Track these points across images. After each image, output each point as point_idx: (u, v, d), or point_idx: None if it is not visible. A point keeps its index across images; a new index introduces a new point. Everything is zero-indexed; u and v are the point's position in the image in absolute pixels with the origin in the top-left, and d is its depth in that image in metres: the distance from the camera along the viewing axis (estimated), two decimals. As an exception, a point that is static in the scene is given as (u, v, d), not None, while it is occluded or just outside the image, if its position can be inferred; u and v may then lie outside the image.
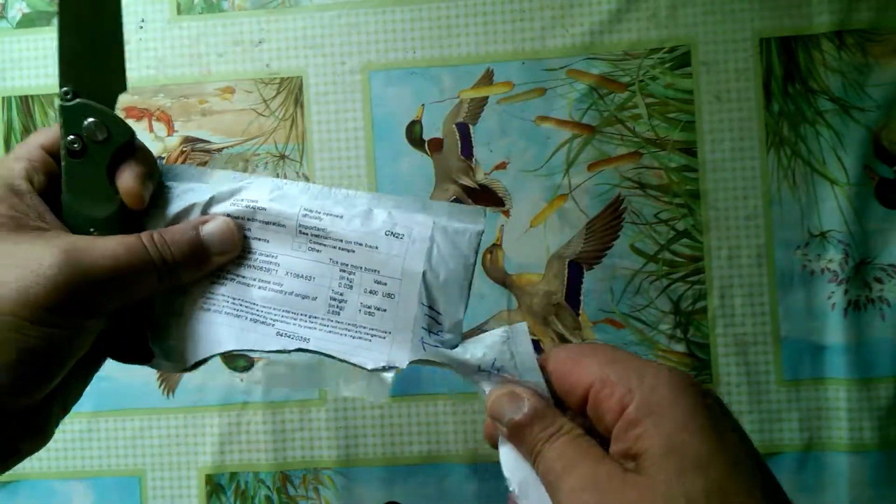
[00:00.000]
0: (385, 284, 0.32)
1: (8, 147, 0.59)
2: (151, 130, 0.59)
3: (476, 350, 0.31)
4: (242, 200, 0.33)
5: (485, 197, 0.57)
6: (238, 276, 0.33)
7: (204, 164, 0.59)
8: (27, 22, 0.59)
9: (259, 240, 0.33)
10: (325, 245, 0.32)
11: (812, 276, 0.55)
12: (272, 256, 0.33)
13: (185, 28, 0.59)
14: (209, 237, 0.32)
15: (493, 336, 0.31)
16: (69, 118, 0.31)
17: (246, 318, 0.33)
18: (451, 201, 0.57)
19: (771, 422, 0.55)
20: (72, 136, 0.31)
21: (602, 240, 0.57)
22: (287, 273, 0.33)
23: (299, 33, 0.58)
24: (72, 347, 0.30)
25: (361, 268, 0.32)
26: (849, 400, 0.54)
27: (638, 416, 0.25)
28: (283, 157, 0.58)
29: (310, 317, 0.32)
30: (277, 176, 0.58)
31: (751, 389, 0.55)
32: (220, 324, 0.33)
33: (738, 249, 0.56)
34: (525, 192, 0.57)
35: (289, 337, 0.32)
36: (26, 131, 0.59)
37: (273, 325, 0.33)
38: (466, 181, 0.57)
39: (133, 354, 0.34)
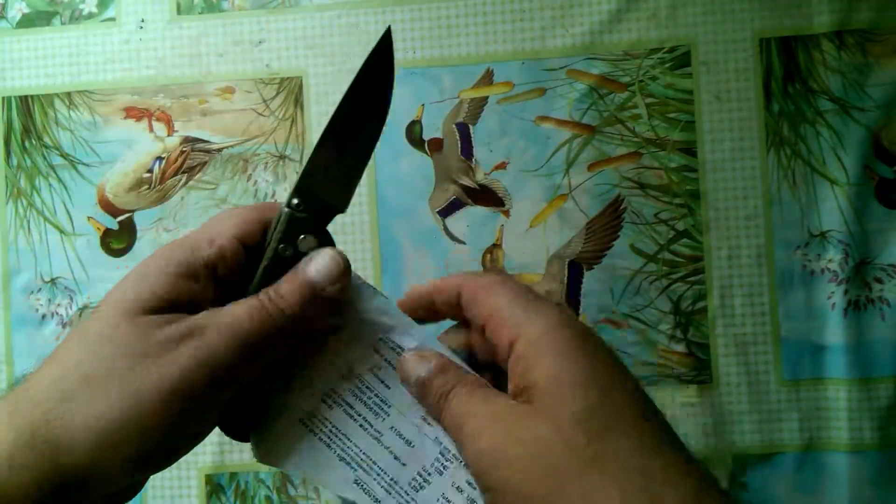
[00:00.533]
0: (474, 490, 0.31)
1: (8, 147, 0.59)
2: (151, 130, 0.59)
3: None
4: (391, 340, 0.33)
5: (485, 197, 0.57)
6: (347, 404, 0.33)
7: (204, 164, 0.59)
8: (27, 22, 0.59)
9: (381, 382, 0.33)
10: (437, 424, 0.32)
11: (812, 276, 0.55)
12: (385, 404, 0.32)
13: (185, 28, 0.59)
14: (315, 273, 0.31)
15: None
16: (290, 228, 0.31)
17: (334, 451, 0.32)
18: (451, 201, 0.57)
19: (771, 422, 0.55)
20: (284, 245, 0.31)
21: (602, 240, 0.57)
22: (392, 428, 0.32)
23: (299, 33, 0.58)
24: (202, 423, 0.30)
25: (461, 462, 0.31)
26: (849, 400, 0.54)
27: (524, 351, 0.28)
28: (283, 157, 0.58)
29: (392, 480, 0.32)
30: (277, 176, 0.58)
31: (751, 389, 0.55)
32: (310, 447, 0.32)
33: (738, 249, 0.56)
34: (525, 192, 0.57)
35: (364, 491, 0.32)
36: (26, 131, 0.59)
37: (356, 470, 0.32)
38: (466, 181, 0.57)
39: (236, 431, 0.33)
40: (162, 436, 0.28)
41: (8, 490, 0.26)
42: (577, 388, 0.27)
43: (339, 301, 0.31)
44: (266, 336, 0.29)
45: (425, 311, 0.33)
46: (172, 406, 0.27)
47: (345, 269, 0.31)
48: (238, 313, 0.29)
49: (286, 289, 0.31)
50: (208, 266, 0.30)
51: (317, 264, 0.31)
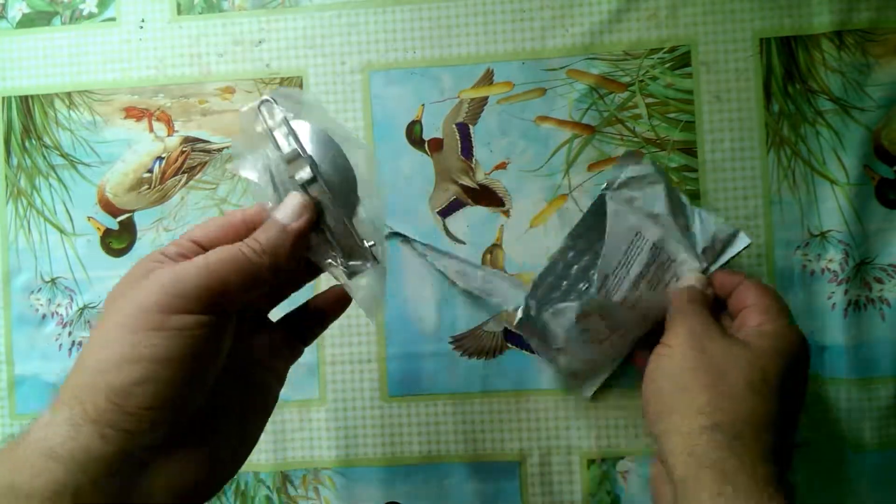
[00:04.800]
0: None
1: (8, 147, 0.59)
2: (151, 130, 0.59)
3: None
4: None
5: (485, 197, 0.57)
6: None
7: (204, 164, 0.59)
8: (27, 22, 0.59)
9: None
10: None
11: (812, 276, 0.55)
12: None
13: (185, 28, 0.59)
14: (282, 215, 0.36)
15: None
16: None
17: None
18: (451, 201, 0.57)
19: (771, 422, 0.55)
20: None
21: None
22: None
23: (299, 33, 0.58)
24: (200, 351, 0.32)
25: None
26: (849, 400, 0.54)
27: (768, 318, 0.44)
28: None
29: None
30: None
31: (751, 389, 0.55)
32: None
33: (738, 249, 0.56)
34: (525, 192, 0.57)
35: None
36: (26, 131, 0.59)
37: None
38: (466, 181, 0.57)
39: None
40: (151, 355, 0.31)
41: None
42: (782, 356, 0.41)
43: (306, 236, 0.37)
44: (241, 273, 0.34)
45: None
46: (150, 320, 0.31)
47: (305, 204, 0.37)
48: (210, 254, 0.34)
49: (257, 232, 0.36)
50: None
51: (284, 207, 0.37)
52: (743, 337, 0.43)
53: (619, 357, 0.53)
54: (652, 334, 0.50)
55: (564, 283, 0.54)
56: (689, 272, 0.49)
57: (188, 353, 0.31)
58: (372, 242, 0.39)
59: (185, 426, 0.33)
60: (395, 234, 0.57)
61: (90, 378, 0.30)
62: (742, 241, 0.51)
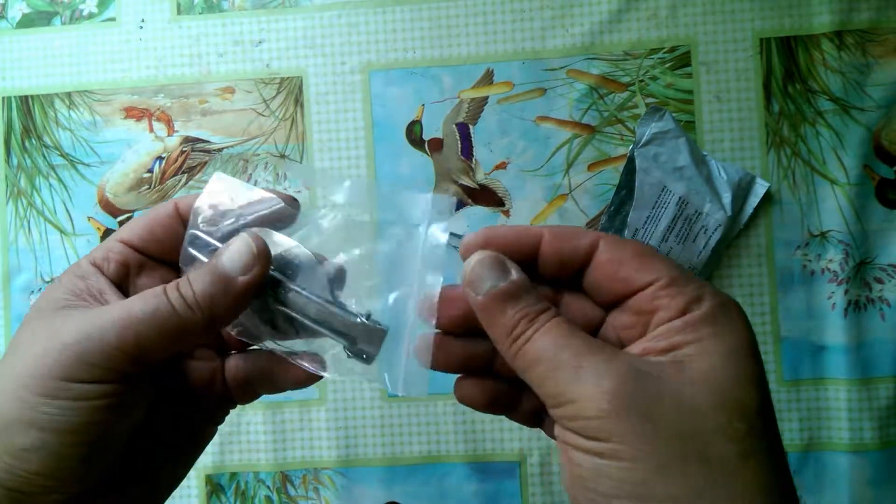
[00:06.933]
0: None
1: (8, 147, 0.59)
2: (151, 130, 0.59)
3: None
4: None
5: (485, 197, 0.57)
6: None
7: (204, 164, 0.59)
8: (27, 22, 0.59)
9: None
10: None
11: (812, 276, 0.55)
12: None
13: (185, 28, 0.59)
14: (228, 261, 0.28)
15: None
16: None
17: None
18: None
19: (771, 422, 0.55)
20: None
21: (602, 240, 0.57)
22: None
23: (299, 33, 0.58)
24: (104, 421, 0.27)
25: None
26: (849, 400, 0.54)
27: (704, 321, 0.25)
28: (283, 157, 0.58)
29: None
30: (277, 176, 0.58)
31: (751, 389, 0.55)
32: None
33: (738, 249, 0.56)
34: (525, 192, 0.57)
35: None
36: (26, 131, 0.59)
37: None
38: (466, 181, 0.57)
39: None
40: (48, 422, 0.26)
41: None
42: (753, 378, 0.24)
43: (252, 293, 0.28)
44: (164, 332, 0.27)
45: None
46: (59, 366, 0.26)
47: (259, 253, 0.28)
48: (130, 303, 0.27)
49: (193, 276, 0.28)
50: (95, 265, 0.30)
51: (230, 252, 0.28)
52: (672, 358, 0.25)
53: None
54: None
55: None
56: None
57: (90, 423, 0.26)
58: (366, 312, 0.30)
59: (99, 485, 0.28)
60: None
61: None
62: (761, 186, 0.54)
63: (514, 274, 0.26)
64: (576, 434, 0.24)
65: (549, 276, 0.28)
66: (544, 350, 0.25)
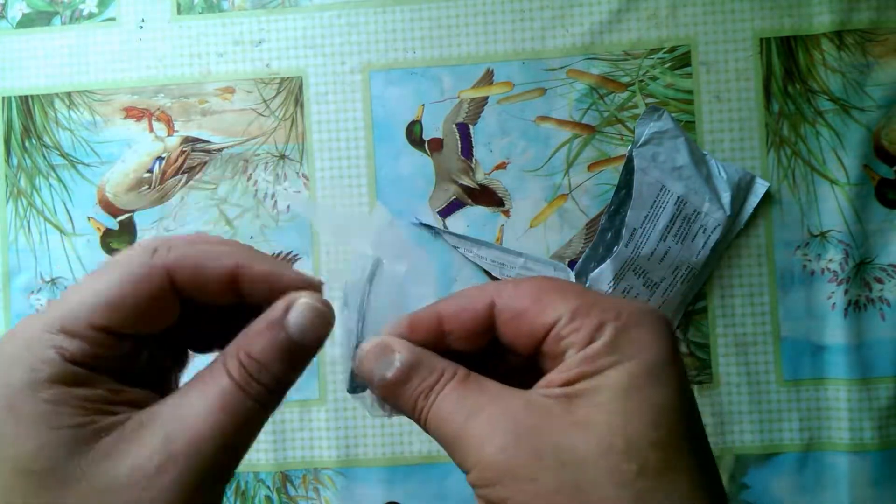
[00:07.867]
0: None
1: (8, 147, 0.59)
2: (151, 130, 0.59)
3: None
4: None
5: (485, 197, 0.57)
6: None
7: (204, 164, 0.59)
8: (27, 22, 0.59)
9: None
10: None
11: (812, 276, 0.55)
12: None
13: (185, 28, 0.59)
14: (296, 329, 0.23)
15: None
16: None
17: None
18: (451, 201, 0.57)
19: (771, 422, 0.55)
20: None
21: (602, 240, 0.57)
22: None
23: (299, 33, 0.58)
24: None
25: None
26: (849, 400, 0.54)
27: (604, 350, 0.22)
28: (283, 157, 0.58)
29: None
30: (277, 176, 0.58)
31: (751, 389, 0.55)
32: None
33: (738, 249, 0.56)
34: (525, 192, 0.57)
35: None
36: (26, 131, 0.59)
37: None
38: (466, 181, 0.57)
39: None
40: None
41: None
42: (654, 407, 0.21)
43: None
44: (248, 425, 0.22)
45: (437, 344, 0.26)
46: None
47: (330, 321, 0.24)
48: (201, 413, 0.21)
49: (261, 351, 0.23)
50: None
51: (296, 318, 0.23)
52: (565, 393, 0.23)
53: None
54: None
55: (601, 248, 0.56)
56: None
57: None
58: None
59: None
60: (424, 226, 0.57)
61: None
62: (761, 186, 0.54)
63: (398, 359, 0.25)
64: (484, 500, 0.23)
65: (463, 351, 0.26)
66: (442, 421, 0.24)
